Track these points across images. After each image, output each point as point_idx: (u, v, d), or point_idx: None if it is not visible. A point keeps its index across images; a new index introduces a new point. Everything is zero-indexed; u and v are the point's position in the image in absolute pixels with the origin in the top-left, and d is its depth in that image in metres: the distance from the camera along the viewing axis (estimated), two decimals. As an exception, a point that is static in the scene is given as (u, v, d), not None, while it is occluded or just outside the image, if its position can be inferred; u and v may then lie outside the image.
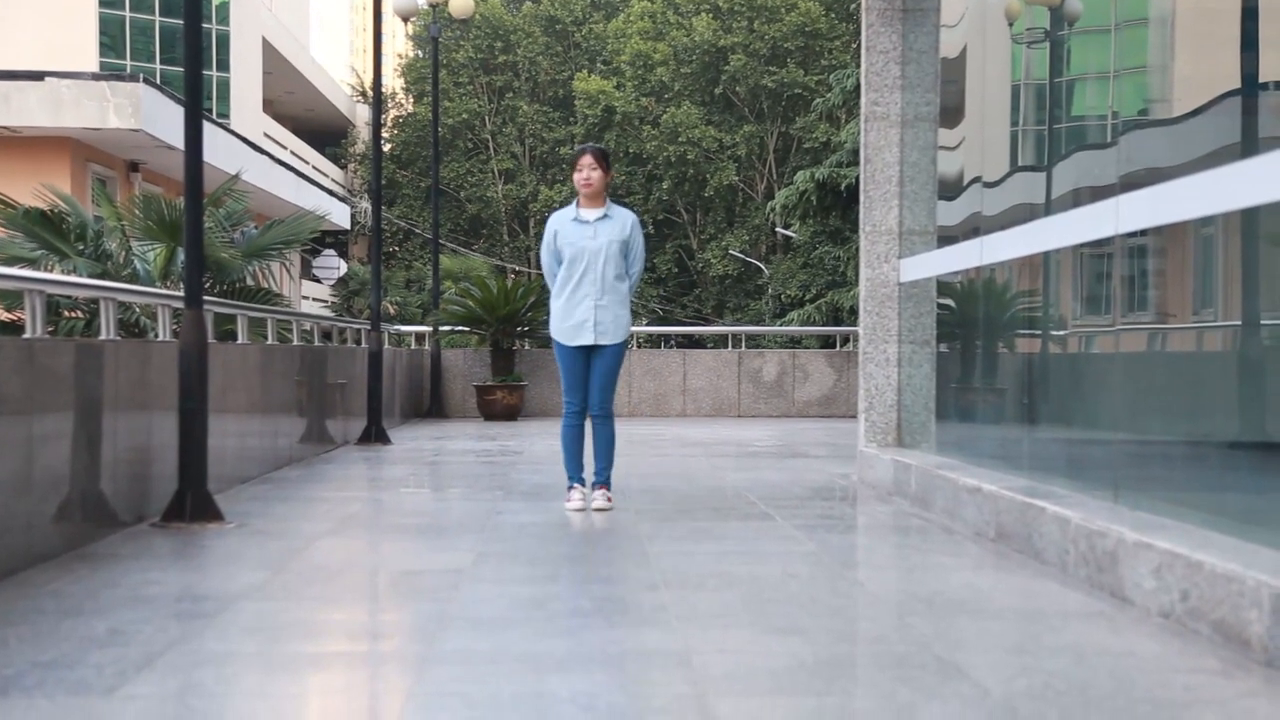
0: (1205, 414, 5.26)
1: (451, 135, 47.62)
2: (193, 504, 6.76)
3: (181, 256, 9.59)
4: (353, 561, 6.05)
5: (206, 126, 7.40)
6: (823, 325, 26.65)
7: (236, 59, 36.84)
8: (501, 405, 17.31)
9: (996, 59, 7.70)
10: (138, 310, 10.75)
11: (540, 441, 13.01)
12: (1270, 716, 3.38)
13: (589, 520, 7.14)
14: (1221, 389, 5.19)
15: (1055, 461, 6.54)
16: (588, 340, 7.45)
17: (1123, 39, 6.17)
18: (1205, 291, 5.31)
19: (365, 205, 43.32)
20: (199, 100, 7.14)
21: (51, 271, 11.18)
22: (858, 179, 10.41)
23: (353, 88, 51.26)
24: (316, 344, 12.72)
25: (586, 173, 7.43)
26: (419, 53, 51.23)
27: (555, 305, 7.57)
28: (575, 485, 7.55)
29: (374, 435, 12.93)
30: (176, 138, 19.35)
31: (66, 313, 11.00)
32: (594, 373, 7.51)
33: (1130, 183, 5.50)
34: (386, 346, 15.05)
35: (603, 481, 7.55)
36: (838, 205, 24.14)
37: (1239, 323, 4.96)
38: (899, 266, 9.03)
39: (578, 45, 50.10)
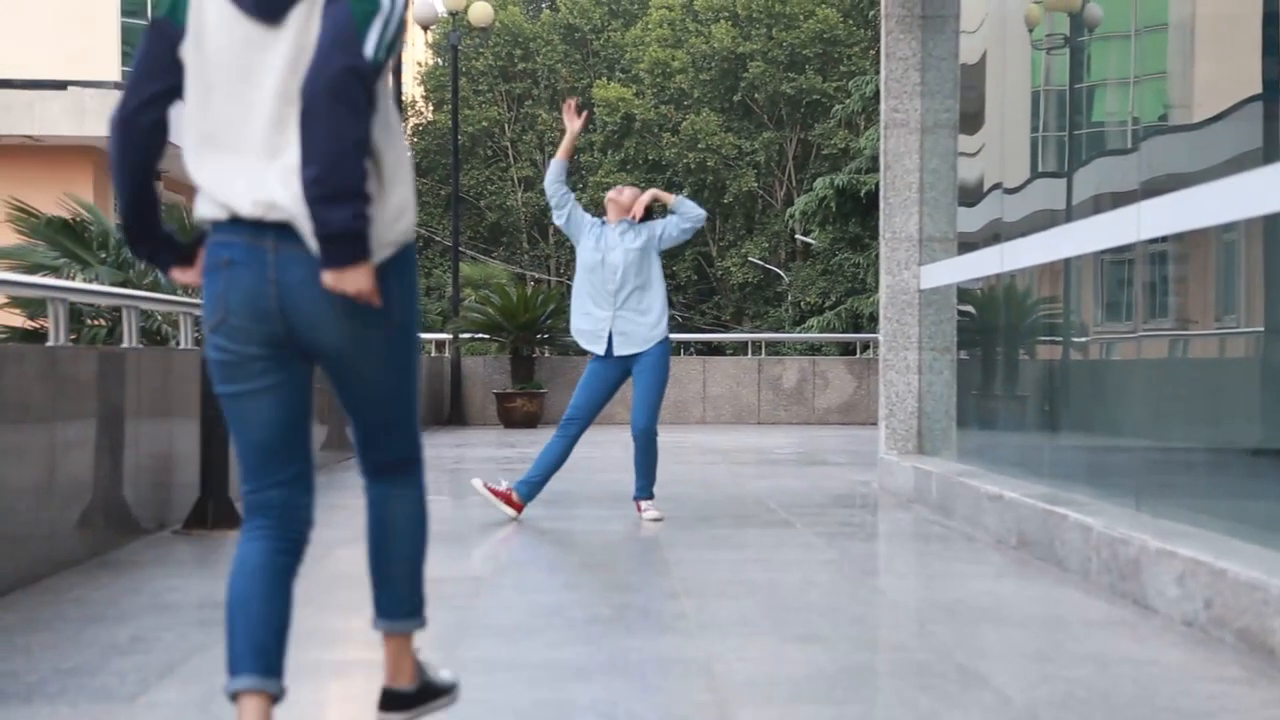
0: (1228, 421, 5.24)
1: (471, 143, 47.72)
2: (215, 511, 6.78)
3: (203, 265, 9.59)
4: (373, 569, 6.04)
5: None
6: (843, 332, 26.60)
7: (257, 67, 36.95)
8: (521, 413, 17.31)
9: (1017, 65, 7.68)
10: (160, 318, 10.80)
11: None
12: (1295, 725, 3.36)
13: (609, 528, 7.14)
14: (1244, 395, 5.16)
15: (1077, 469, 6.52)
16: (612, 351, 7.26)
17: (1143, 44, 6.15)
18: (1228, 298, 5.28)
19: (385, 213, 43.34)
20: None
21: (74, 280, 11.22)
22: (877, 185, 10.40)
23: (373, 96, 51.34)
24: (337, 351, 12.74)
25: (625, 192, 7.56)
26: (439, 60, 51.30)
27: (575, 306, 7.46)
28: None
29: (394, 442, 12.92)
30: (198, 146, 19.40)
31: (89, 321, 11.05)
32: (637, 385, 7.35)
33: (1152, 189, 5.48)
34: (407, 354, 15.05)
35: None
36: (857, 212, 24.12)
37: (1261, 329, 4.94)
38: (919, 273, 9.01)
39: (596, 53, 50.16)
